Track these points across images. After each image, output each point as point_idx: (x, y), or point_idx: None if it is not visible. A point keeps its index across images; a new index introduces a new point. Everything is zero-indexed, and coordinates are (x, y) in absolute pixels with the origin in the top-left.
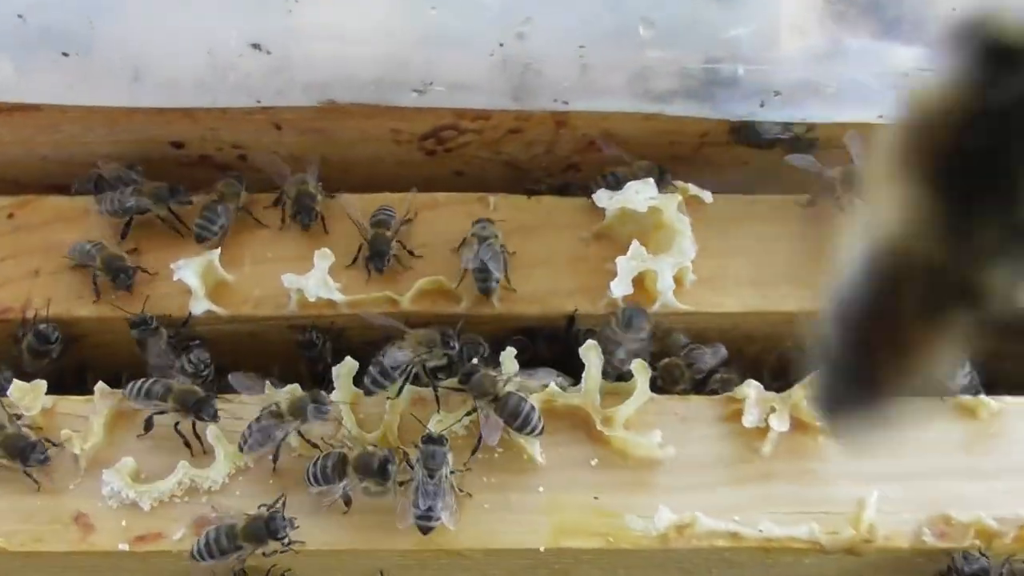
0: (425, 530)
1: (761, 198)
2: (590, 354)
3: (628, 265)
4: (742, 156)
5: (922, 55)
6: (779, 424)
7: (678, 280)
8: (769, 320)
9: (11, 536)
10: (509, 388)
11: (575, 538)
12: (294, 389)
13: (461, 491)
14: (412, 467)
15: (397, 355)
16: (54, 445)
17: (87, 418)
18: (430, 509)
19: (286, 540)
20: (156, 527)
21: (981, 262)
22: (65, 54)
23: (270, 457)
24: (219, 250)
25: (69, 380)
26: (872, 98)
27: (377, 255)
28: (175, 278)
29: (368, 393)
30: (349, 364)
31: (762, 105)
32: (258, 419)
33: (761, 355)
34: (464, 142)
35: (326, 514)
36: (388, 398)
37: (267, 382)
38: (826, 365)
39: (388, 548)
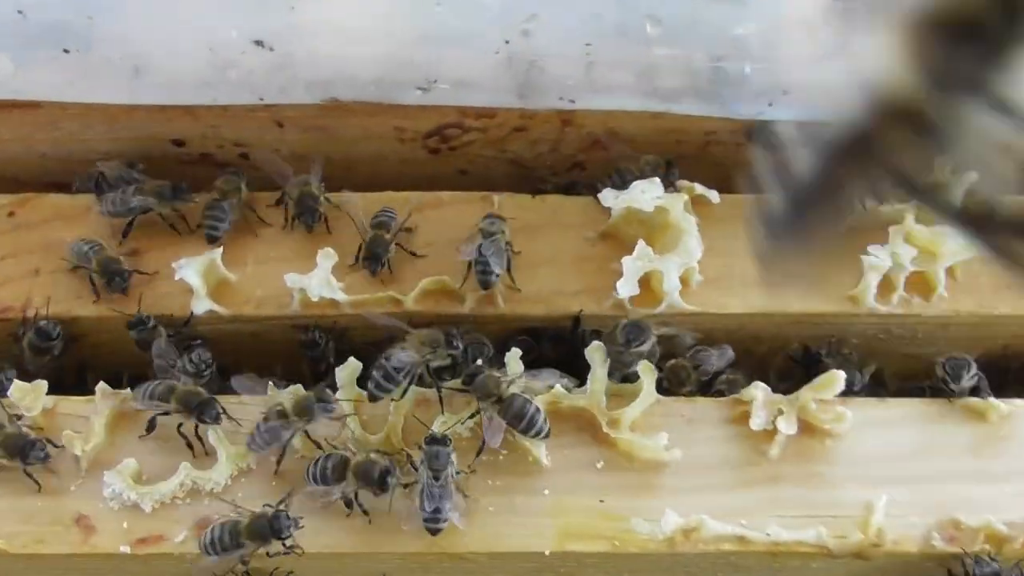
0: (434, 531)
1: (768, 197)
2: (596, 355)
3: (634, 265)
4: (748, 155)
5: None
6: (787, 427)
7: (684, 280)
8: (775, 321)
9: (12, 538)
10: (513, 390)
11: (580, 542)
12: (297, 390)
13: (466, 496)
14: (416, 469)
15: (401, 356)
16: (55, 446)
17: (88, 419)
18: (437, 511)
19: (288, 541)
20: (158, 529)
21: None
22: (65, 51)
23: (273, 459)
24: (221, 249)
25: (69, 380)
26: None
27: (373, 257)
28: (177, 277)
29: (372, 399)
30: (353, 365)
31: (771, 104)
32: (265, 419)
33: (768, 356)
34: (468, 140)
35: (328, 516)
36: (392, 400)
37: (269, 383)
38: (789, 188)
39: (391, 551)
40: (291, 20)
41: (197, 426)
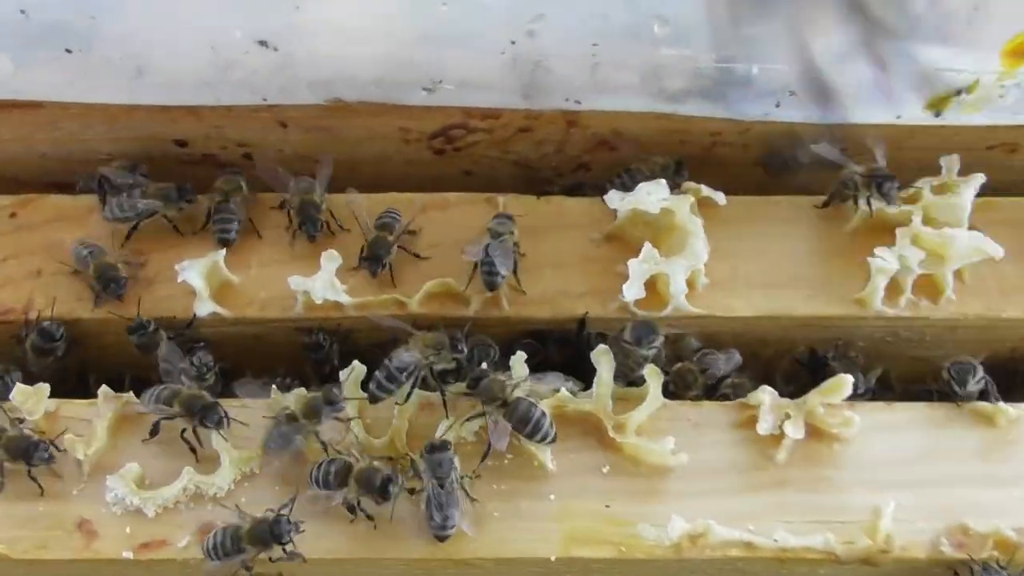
0: (442, 539)
1: (775, 199)
2: (602, 359)
3: (640, 268)
4: (755, 156)
5: (942, 54)
6: (794, 431)
7: (690, 283)
8: (782, 324)
9: (13, 543)
10: (518, 393)
11: (587, 547)
12: (300, 393)
13: (474, 500)
14: (421, 477)
15: (404, 357)
16: (58, 450)
17: (90, 422)
18: (446, 519)
19: (289, 546)
20: (161, 534)
21: None
22: (67, 50)
23: (276, 463)
24: (224, 251)
25: (70, 382)
26: (892, 98)
27: (374, 258)
28: (180, 280)
29: (373, 400)
30: (357, 369)
31: (778, 105)
32: (277, 423)
33: (774, 359)
34: (473, 141)
35: (331, 521)
36: (396, 403)
37: (273, 386)
38: None
39: (395, 557)
40: (294, 20)
41: (195, 429)
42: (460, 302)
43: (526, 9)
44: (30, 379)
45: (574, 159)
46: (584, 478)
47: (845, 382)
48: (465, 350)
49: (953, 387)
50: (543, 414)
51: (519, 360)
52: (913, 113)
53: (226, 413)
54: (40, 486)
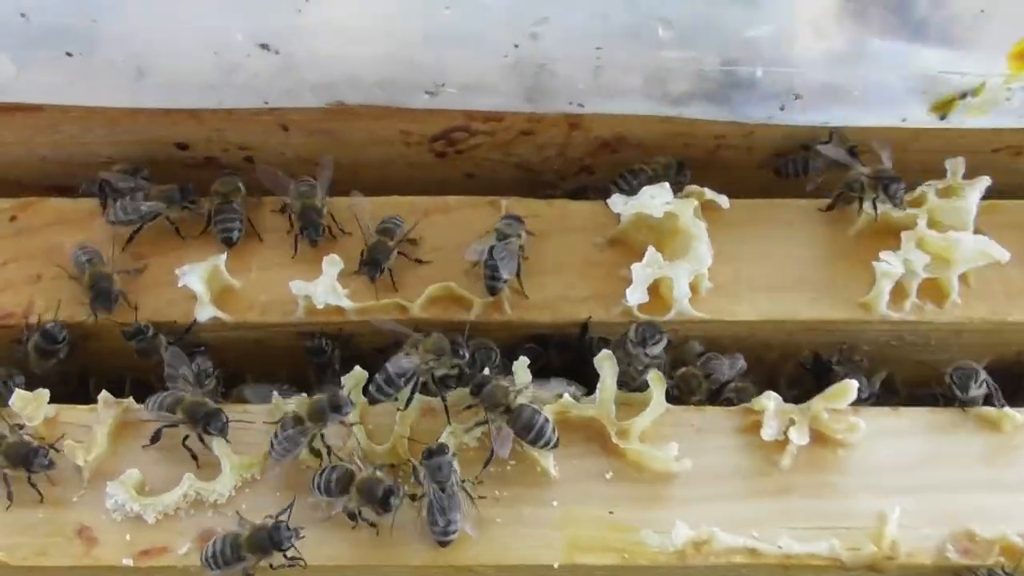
0: (445, 543)
1: (779, 202)
2: (605, 364)
3: (644, 272)
4: (759, 159)
5: (947, 57)
6: (799, 437)
7: (694, 287)
8: (786, 328)
9: (13, 549)
10: (522, 400)
11: (590, 554)
12: (303, 399)
13: (475, 500)
14: (421, 483)
15: (403, 362)
16: (57, 451)
17: (90, 428)
18: (449, 523)
19: (290, 552)
20: (161, 541)
21: None
22: (68, 53)
23: (277, 469)
24: (225, 255)
25: (71, 386)
26: (896, 101)
27: (372, 263)
28: (180, 284)
29: (373, 401)
30: (358, 374)
31: (782, 108)
32: (283, 427)
33: (778, 363)
34: (475, 144)
35: (333, 528)
36: (398, 409)
37: (274, 392)
38: None
39: (396, 564)
40: (296, 23)
41: (200, 436)
42: (462, 306)
43: (529, 12)
44: (32, 381)
45: (576, 162)
46: (587, 484)
47: (850, 387)
48: (467, 355)
49: (955, 392)
50: (546, 420)
51: (522, 366)
52: (918, 116)
53: (227, 419)
54: (39, 492)
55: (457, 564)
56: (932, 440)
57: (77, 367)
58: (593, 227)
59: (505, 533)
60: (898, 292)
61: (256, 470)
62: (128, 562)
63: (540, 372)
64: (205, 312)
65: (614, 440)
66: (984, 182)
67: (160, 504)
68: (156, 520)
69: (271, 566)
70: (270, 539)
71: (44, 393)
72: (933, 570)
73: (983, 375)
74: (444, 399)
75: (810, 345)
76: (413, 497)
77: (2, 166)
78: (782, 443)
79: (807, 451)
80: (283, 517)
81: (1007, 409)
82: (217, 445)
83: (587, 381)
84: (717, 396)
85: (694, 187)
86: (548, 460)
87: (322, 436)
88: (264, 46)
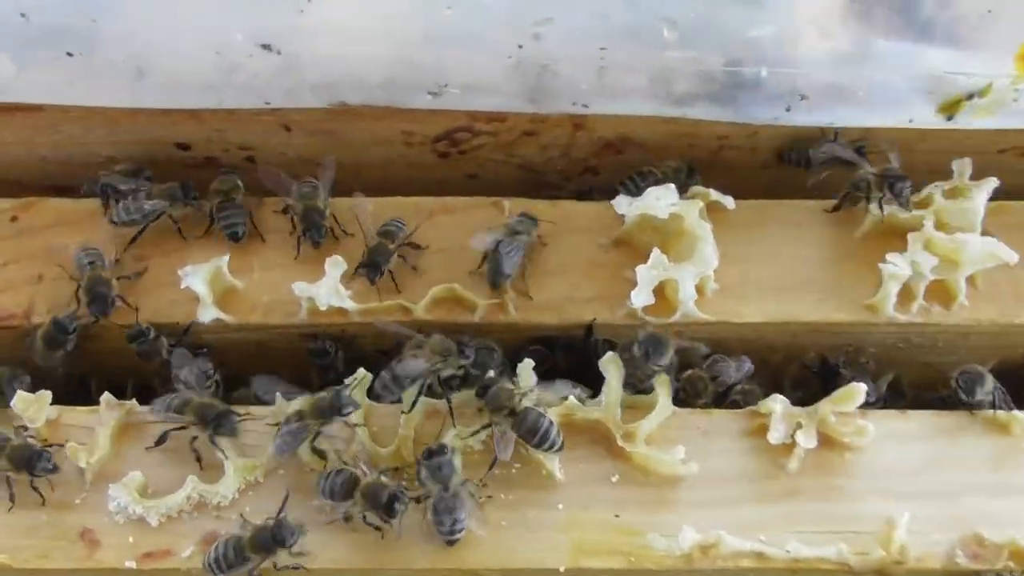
0: (452, 543)
1: (785, 203)
2: (610, 367)
3: (649, 274)
4: (763, 159)
5: (954, 57)
6: (806, 441)
7: (699, 289)
8: (792, 330)
9: (16, 552)
10: (527, 402)
11: (596, 557)
12: (305, 397)
13: (488, 496)
14: (424, 484)
15: (409, 364)
16: (60, 447)
17: (93, 430)
18: (455, 522)
19: (295, 548)
20: (164, 543)
21: None
22: (68, 53)
23: (280, 471)
24: (228, 256)
25: (72, 387)
26: (903, 102)
27: (372, 265)
28: (182, 285)
29: (378, 400)
30: (362, 376)
31: (788, 109)
32: (287, 422)
33: (783, 365)
34: (478, 144)
35: (336, 531)
36: (402, 412)
37: (278, 393)
38: None
39: (400, 567)
40: (297, 23)
41: (211, 438)
42: (466, 308)
43: (532, 12)
44: (33, 382)
45: (580, 163)
46: (593, 487)
47: (858, 391)
48: (472, 356)
49: (961, 396)
50: (551, 423)
51: (527, 368)
52: (925, 117)
53: (238, 419)
54: (42, 495)
55: (462, 567)
56: (941, 443)
57: (78, 369)
58: (598, 228)
59: (510, 536)
60: (905, 294)
61: (259, 473)
62: (131, 565)
63: (545, 374)
64: (207, 313)
65: (620, 443)
66: (992, 183)
67: (163, 506)
68: (159, 522)
69: (275, 566)
70: (273, 537)
71: (46, 395)
72: (942, 574)
73: (990, 380)
74: (449, 401)
75: (815, 347)
76: (417, 500)
77: (2, 166)
78: (789, 446)
79: (814, 454)
80: (282, 515)
81: (1016, 412)
82: (224, 445)
83: (592, 383)
84: (723, 399)
85: (699, 188)
86: (553, 463)
87: (325, 438)
88: (265, 46)
